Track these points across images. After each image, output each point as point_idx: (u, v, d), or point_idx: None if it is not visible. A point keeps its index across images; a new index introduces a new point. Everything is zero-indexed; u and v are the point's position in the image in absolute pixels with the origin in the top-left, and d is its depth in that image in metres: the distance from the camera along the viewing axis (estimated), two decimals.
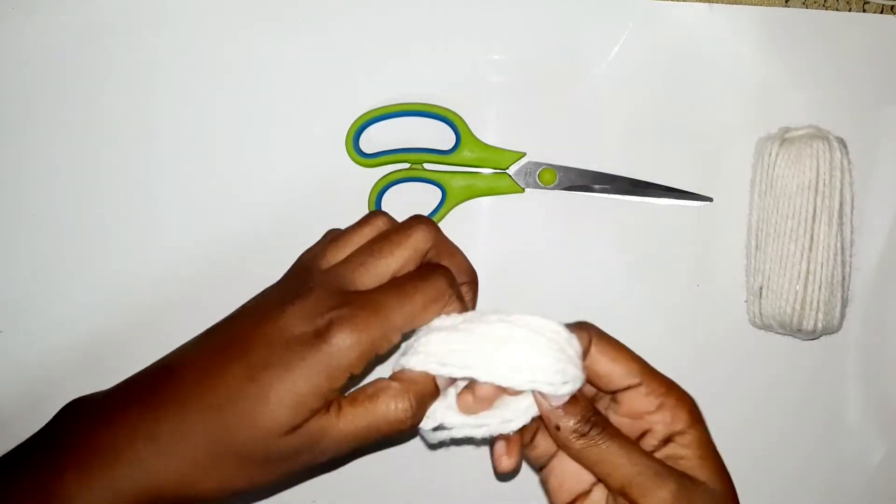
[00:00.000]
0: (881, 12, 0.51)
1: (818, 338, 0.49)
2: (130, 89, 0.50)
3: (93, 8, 0.50)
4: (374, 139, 0.50)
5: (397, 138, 0.50)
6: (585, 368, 0.34)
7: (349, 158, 0.49)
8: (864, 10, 0.51)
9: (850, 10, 0.51)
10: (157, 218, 0.50)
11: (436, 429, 0.35)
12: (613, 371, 0.35)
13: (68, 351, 0.50)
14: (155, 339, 0.50)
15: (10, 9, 0.50)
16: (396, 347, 0.35)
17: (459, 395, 0.35)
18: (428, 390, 0.34)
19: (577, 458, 0.34)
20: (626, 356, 0.35)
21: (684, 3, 0.50)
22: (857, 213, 0.48)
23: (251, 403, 0.32)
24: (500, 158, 0.50)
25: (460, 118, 0.49)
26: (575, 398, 0.34)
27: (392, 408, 0.33)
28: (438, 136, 0.50)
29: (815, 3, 0.51)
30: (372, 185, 0.49)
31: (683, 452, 0.34)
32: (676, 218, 0.51)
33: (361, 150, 0.49)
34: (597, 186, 0.50)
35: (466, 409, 0.34)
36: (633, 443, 0.34)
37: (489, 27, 0.50)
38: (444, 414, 0.35)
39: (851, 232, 0.48)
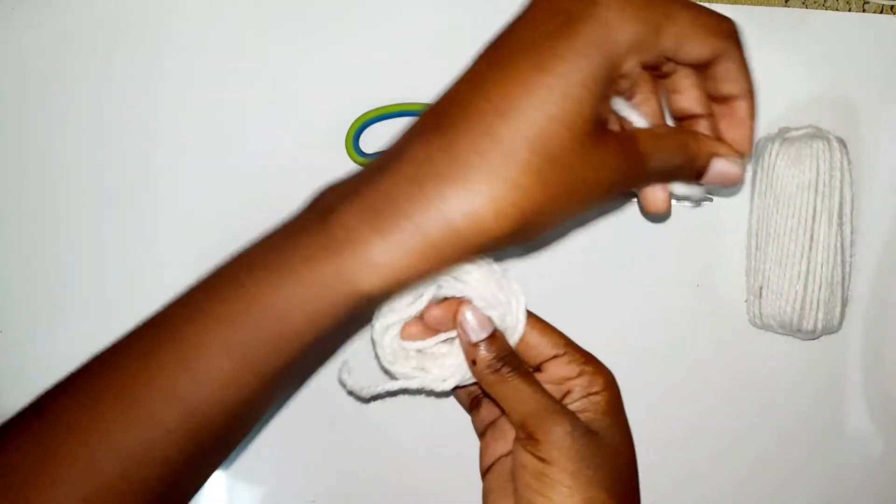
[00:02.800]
0: (881, 12, 0.51)
1: (818, 338, 0.49)
2: (130, 90, 0.50)
3: (92, 9, 0.50)
4: (374, 139, 0.50)
5: None
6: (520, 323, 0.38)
7: (349, 158, 0.49)
8: (863, 10, 0.51)
9: (849, 10, 0.51)
10: (156, 217, 0.50)
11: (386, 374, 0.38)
12: (542, 342, 0.38)
13: (68, 351, 0.50)
14: None
15: (9, 8, 0.50)
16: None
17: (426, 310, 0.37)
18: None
19: (489, 390, 0.37)
20: (552, 330, 0.39)
21: None
22: (857, 213, 0.49)
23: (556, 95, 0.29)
24: None
25: None
26: (493, 337, 0.37)
27: (678, 156, 0.34)
28: None
29: (814, 3, 0.51)
30: None
31: (590, 408, 0.38)
32: (676, 217, 0.50)
33: (361, 150, 0.49)
34: None
35: (435, 322, 0.37)
36: (538, 384, 0.37)
37: (489, 27, 0.50)
38: (395, 362, 0.38)
39: (851, 232, 0.48)
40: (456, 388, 0.39)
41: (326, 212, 0.31)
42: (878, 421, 0.51)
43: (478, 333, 0.36)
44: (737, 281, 0.50)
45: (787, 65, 0.51)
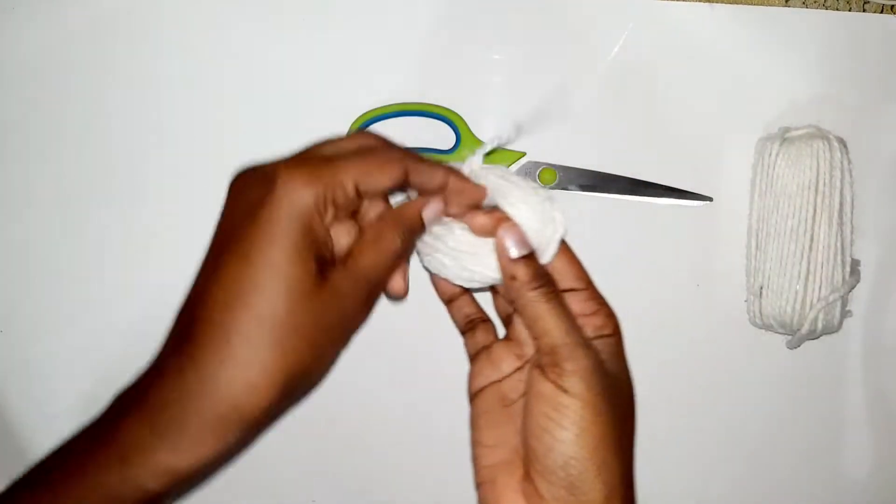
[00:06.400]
0: (881, 12, 0.51)
1: (818, 337, 0.49)
2: (130, 90, 0.50)
3: (91, 9, 0.50)
4: None
5: (397, 138, 0.50)
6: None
7: None
8: (863, 10, 0.51)
9: (850, 10, 0.51)
10: (156, 217, 0.50)
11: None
12: (568, 271, 0.39)
13: (69, 351, 0.50)
14: (154, 337, 0.50)
15: (9, 8, 0.50)
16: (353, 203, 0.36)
17: (474, 216, 0.39)
18: (415, 224, 0.38)
19: (522, 310, 0.38)
20: (578, 263, 0.40)
21: (685, 2, 0.50)
22: (856, 212, 0.48)
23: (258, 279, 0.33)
24: (500, 158, 0.50)
25: (460, 118, 0.49)
26: (531, 256, 0.38)
27: (385, 243, 0.36)
28: (438, 136, 0.50)
29: (815, 2, 0.51)
30: None
31: (603, 349, 0.38)
32: (676, 218, 0.51)
33: None
34: (597, 186, 0.50)
35: (480, 229, 0.38)
36: (571, 313, 0.38)
37: (489, 27, 0.50)
38: (438, 240, 0.39)
39: (851, 232, 0.48)
40: (466, 290, 0.42)
41: (118, 418, 0.34)
42: (878, 421, 0.51)
43: (518, 249, 0.37)
44: (737, 281, 0.50)
45: (787, 65, 0.51)
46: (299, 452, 0.50)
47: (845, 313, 0.48)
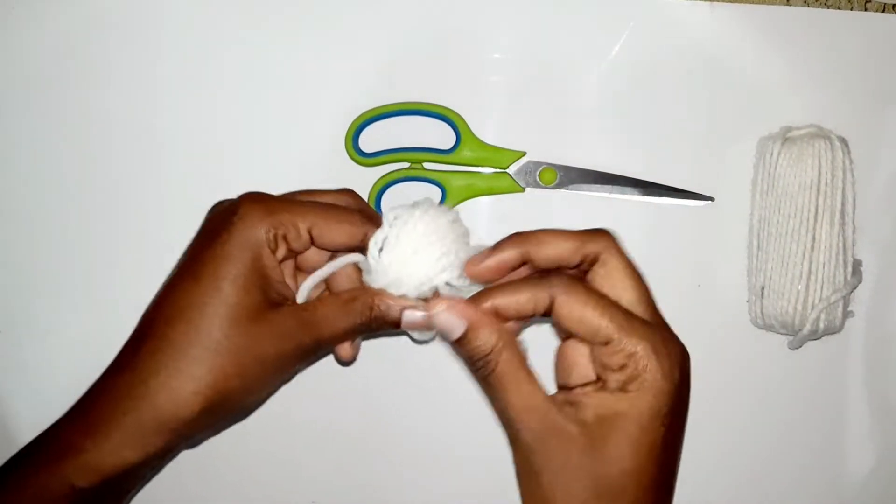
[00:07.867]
0: (883, 11, 0.51)
1: (820, 338, 0.49)
2: (129, 90, 0.50)
3: (90, 9, 0.50)
4: (373, 138, 0.50)
5: (397, 138, 0.50)
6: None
7: (349, 158, 0.49)
8: (865, 9, 0.51)
9: (851, 9, 0.51)
10: (156, 217, 0.50)
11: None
12: (580, 331, 0.35)
13: (68, 351, 0.50)
14: None
15: (9, 8, 0.50)
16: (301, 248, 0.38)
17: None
18: (391, 317, 0.37)
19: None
20: (595, 313, 0.35)
21: (685, 1, 0.50)
22: (858, 212, 0.48)
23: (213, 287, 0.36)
24: (500, 158, 0.50)
25: (460, 117, 0.49)
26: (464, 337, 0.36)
27: (353, 311, 0.37)
28: (438, 135, 0.50)
29: (816, 2, 0.51)
30: (372, 185, 0.49)
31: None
32: (678, 217, 0.50)
33: (361, 150, 0.49)
34: (597, 186, 0.50)
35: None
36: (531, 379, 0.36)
37: (489, 27, 0.50)
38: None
39: (853, 231, 0.48)
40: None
41: (61, 420, 0.37)
42: (879, 421, 0.50)
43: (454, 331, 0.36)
44: (738, 281, 0.50)
45: (789, 64, 0.50)
46: (300, 453, 0.50)
47: (847, 313, 0.48)
